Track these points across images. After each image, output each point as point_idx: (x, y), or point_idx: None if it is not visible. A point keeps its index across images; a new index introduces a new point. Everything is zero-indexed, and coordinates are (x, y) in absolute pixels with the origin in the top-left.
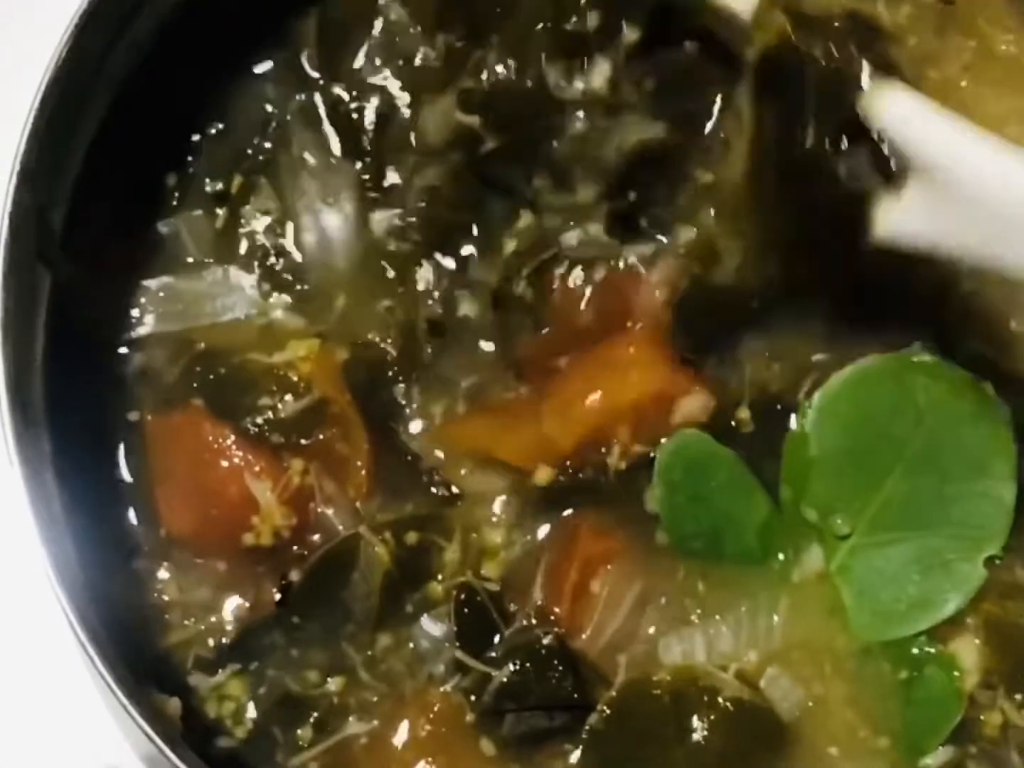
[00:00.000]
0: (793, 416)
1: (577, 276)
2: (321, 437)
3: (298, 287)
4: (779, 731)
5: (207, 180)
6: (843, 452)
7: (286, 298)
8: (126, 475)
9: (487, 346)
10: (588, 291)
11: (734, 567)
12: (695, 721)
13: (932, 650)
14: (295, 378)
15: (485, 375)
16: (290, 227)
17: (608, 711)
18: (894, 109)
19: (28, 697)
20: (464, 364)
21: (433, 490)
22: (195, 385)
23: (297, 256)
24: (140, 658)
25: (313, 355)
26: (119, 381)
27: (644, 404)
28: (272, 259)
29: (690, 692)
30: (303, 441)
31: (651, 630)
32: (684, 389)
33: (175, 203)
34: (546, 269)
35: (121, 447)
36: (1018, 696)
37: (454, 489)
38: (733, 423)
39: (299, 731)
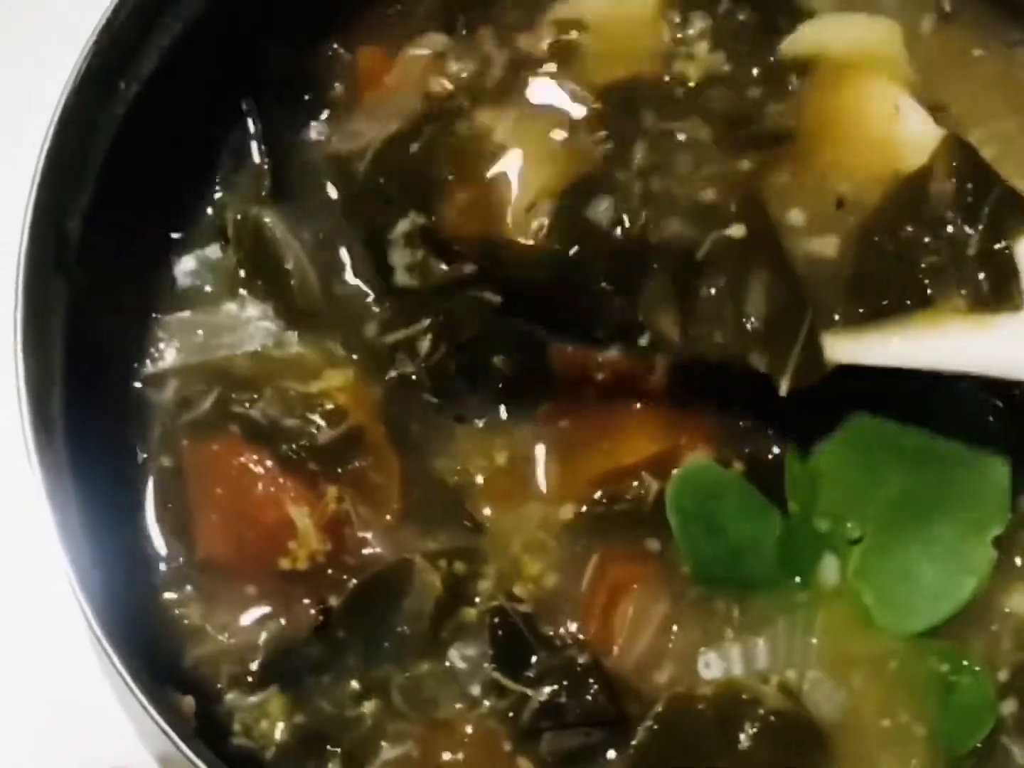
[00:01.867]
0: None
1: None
2: (356, 465)
3: (312, 322)
4: (822, 739)
5: (227, 209)
6: (844, 457)
7: (301, 333)
8: (149, 498)
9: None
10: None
11: (762, 587)
12: (739, 733)
13: (966, 662)
14: (331, 406)
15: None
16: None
17: (655, 726)
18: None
19: (43, 697)
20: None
21: (465, 522)
22: (230, 412)
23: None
24: (164, 667)
25: (349, 385)
26: (141, 405)
27: (646, 465)
28: (286, 293)
29: (733, 705)
30: (338, 469)
31: (685, 649)
32: (687, 447)
33: (195, 229)
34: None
35: (145, 469)
36: None
37: (483, 521)
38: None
39: (330, 763)
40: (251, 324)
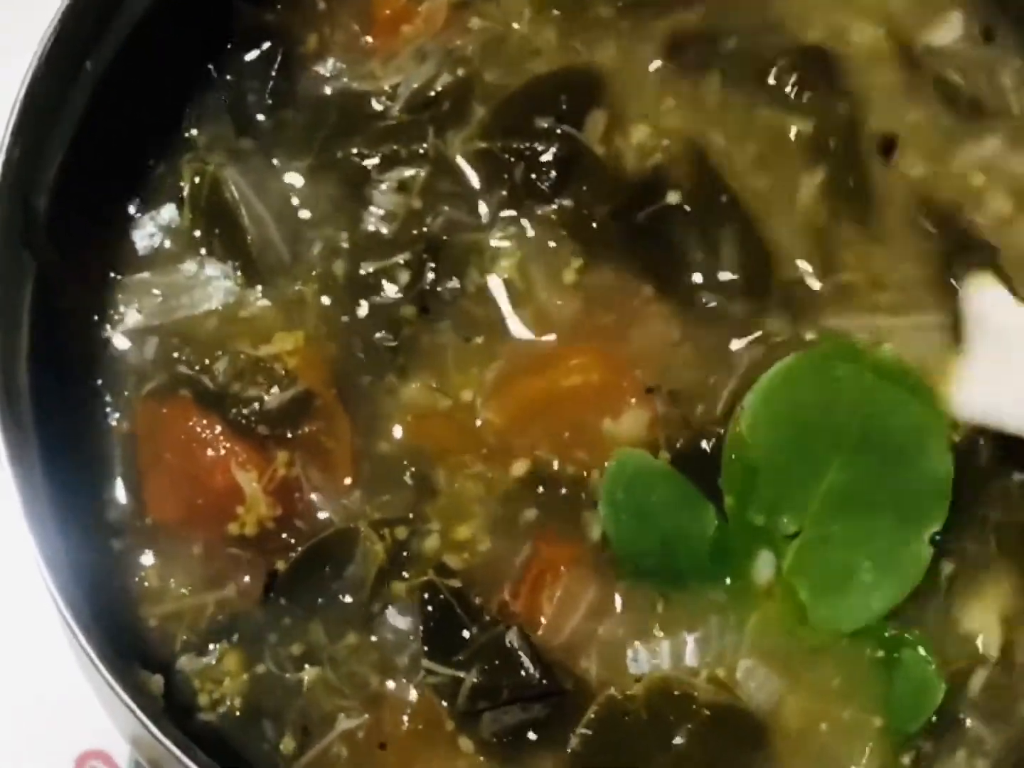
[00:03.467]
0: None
1: None
2: (306, 430)
3: (271, 279)
4: (760, 729)
5: (185, 169)
6: (782, 451)
7: (261, 289)
8: (112, 461)
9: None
10: None
11: (693, 582)
12: (675, 732)
13: (907, 635)
14: (282, 370)
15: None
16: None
17: (588, 732)
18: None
19: (14, 683)
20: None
21: (411, 483)
22: (182, 376)
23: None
24: (126, 638)
25: (300, 348)
26: (104, 369)
27: (583, 395)
28: (244, 251)
29: (665, 703)
30: (288, 434)
31: (613, 641)
32: (628, 396)
33: (154, 193)
34: None
35: (107, 434)
36: None
37: (432, 486)
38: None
39: (285, 736)
40: (210, 284)
